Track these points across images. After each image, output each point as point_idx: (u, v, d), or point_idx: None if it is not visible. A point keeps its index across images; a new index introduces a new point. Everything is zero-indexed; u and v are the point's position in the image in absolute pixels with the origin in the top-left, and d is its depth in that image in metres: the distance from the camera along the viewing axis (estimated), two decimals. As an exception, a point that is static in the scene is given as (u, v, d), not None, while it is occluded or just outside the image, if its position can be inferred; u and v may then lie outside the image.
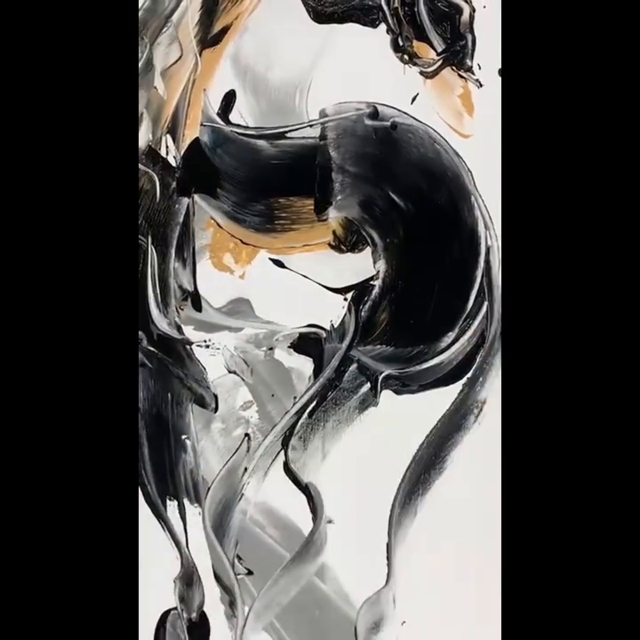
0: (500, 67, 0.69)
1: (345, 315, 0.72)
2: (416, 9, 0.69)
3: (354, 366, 0.72)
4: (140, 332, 0.73)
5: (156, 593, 0.73)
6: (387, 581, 0.70)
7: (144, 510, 0.73)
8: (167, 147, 0.73)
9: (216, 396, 0.74)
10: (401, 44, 0.70)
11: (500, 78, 0.69)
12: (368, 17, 0.70)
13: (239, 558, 0.73)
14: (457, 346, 0.70)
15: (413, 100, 0.70)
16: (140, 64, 0.72)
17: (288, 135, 0.72)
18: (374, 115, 0.70)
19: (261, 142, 0.72)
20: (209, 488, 0.73)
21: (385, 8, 0.70)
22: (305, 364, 0.73)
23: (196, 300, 0.74)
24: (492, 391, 0.70)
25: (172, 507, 0.73)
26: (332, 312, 0.72)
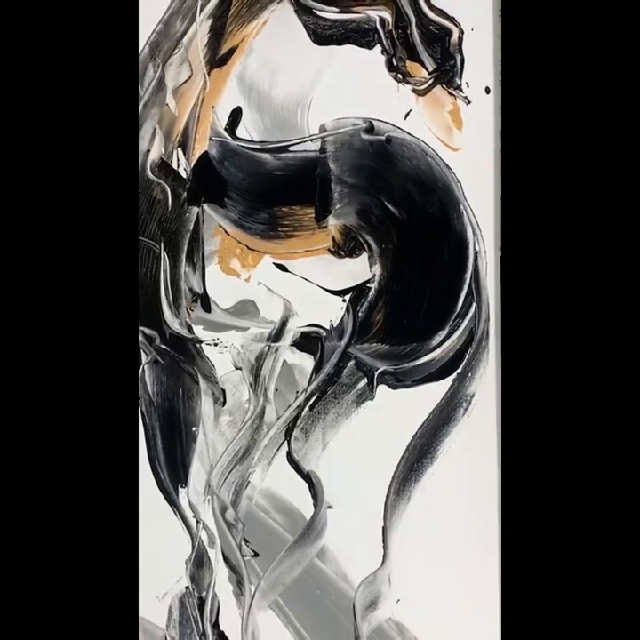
0: (486, 85, 0.69)
1: (343, 315, 0.73)
2: (409, 31, 0.70)
3: (352, 363, 0.72)
4: (153, 331, 0.74)
5: (169, 573, 0.75)
6: (382, 562, 0.71)
7: (158, 497, 0.75)
8: (178, 159, 0.75)
9: (224, 391, 0.75)
10: (395, 63, 0.70)
11: (487, 95, 0.69)
12: (364, 39, 0.71)
13: (246, 541, 0.75)
14: (447, 344, 0.70)
15: (406, 115, 0.70)
16: (152, 83, 0.74)
17: (290, 149, 0.72)
18: (370, 129, 0.70)
19: (265, 155, 0.72)
20: (218, 475, 0.74)
21: (380, 31, 0.70)
22: (306, 361, 0.74)
23: (205, 301, 0.75)
24: (480, 386, 0.70)
25: (183, 493, 0.75)
26: (331, 312, 0.73)
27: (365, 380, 0.72)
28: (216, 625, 0.75)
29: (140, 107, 0.75)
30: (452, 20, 0.69)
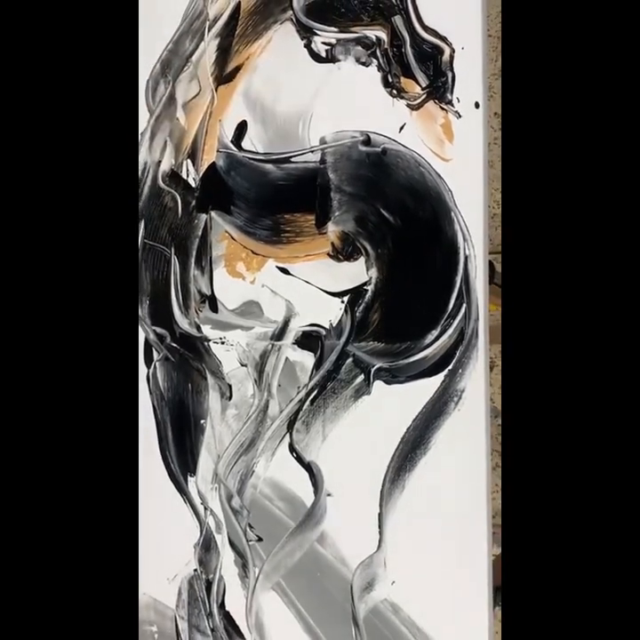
0: (476, 100, 0.70)
1: (342, 315, 0.74)
2: (403, 50, 0.71)
3: (350, 360, 0.74)
4: (164, 330, 0.77)
5: (178, 557, 0.78)
6: (378, 546, 0.73)
7: (168, 486, 0.78)
8: (188, 170, 0.77)
9: (230, 386, 0.77)
10: (390, 80, 0.72)
11: (476, 110, 0.71)
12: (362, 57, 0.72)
13: (250, 527, 0.77)
14: (439, 342, 0.71)
15: (401, 128, 0.72)
16: (163, 98, 0.76)
17: (292, 160, 0.74)
18: (367, 142, 0.72)
19: (269, 166, 0.74)
20: (225, 465, 0.77)
21: (376, 49, 0.71)
22: (307, 358, 0.75)
23: (212, 302, 0.77)
24: (470, 381, 0.71)
25: (192, 482, 0.78)
26: (330, 313, 0.75)
27: (362, 377, 0.73)
28: (222, 605, 0.78)
29: (152, 120, 0.78)
30: (443, 39, 0.71)
